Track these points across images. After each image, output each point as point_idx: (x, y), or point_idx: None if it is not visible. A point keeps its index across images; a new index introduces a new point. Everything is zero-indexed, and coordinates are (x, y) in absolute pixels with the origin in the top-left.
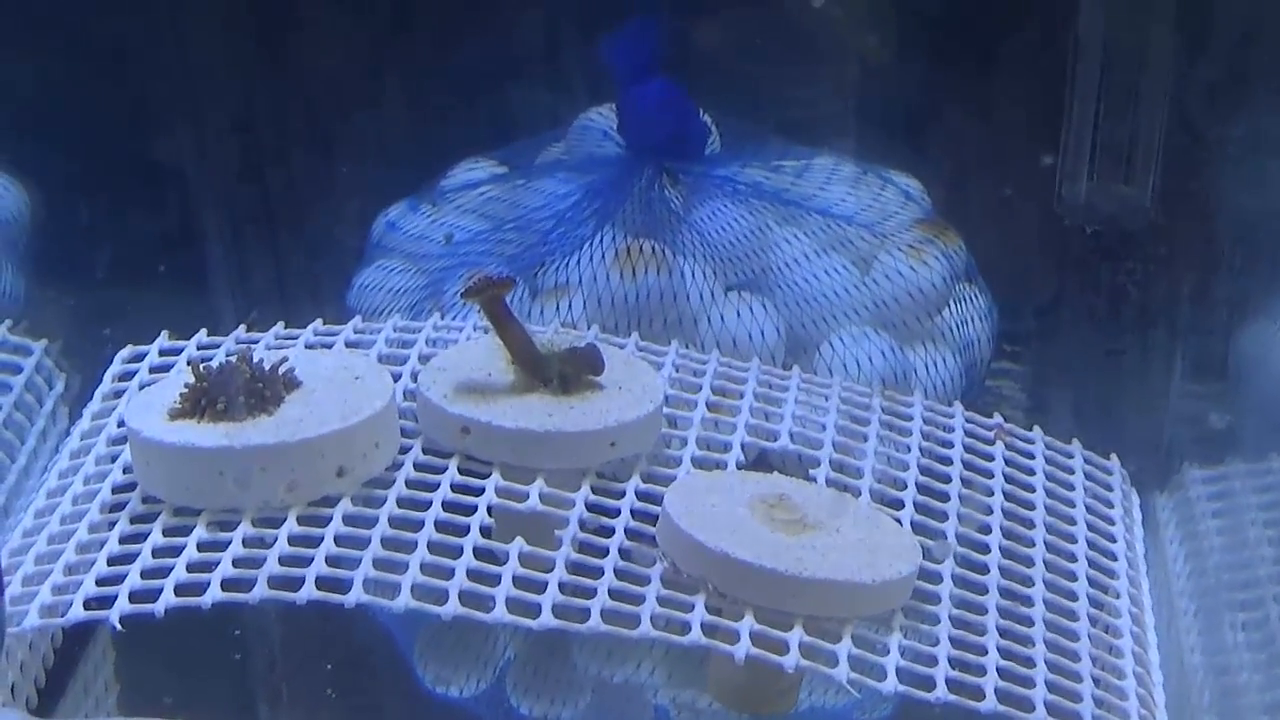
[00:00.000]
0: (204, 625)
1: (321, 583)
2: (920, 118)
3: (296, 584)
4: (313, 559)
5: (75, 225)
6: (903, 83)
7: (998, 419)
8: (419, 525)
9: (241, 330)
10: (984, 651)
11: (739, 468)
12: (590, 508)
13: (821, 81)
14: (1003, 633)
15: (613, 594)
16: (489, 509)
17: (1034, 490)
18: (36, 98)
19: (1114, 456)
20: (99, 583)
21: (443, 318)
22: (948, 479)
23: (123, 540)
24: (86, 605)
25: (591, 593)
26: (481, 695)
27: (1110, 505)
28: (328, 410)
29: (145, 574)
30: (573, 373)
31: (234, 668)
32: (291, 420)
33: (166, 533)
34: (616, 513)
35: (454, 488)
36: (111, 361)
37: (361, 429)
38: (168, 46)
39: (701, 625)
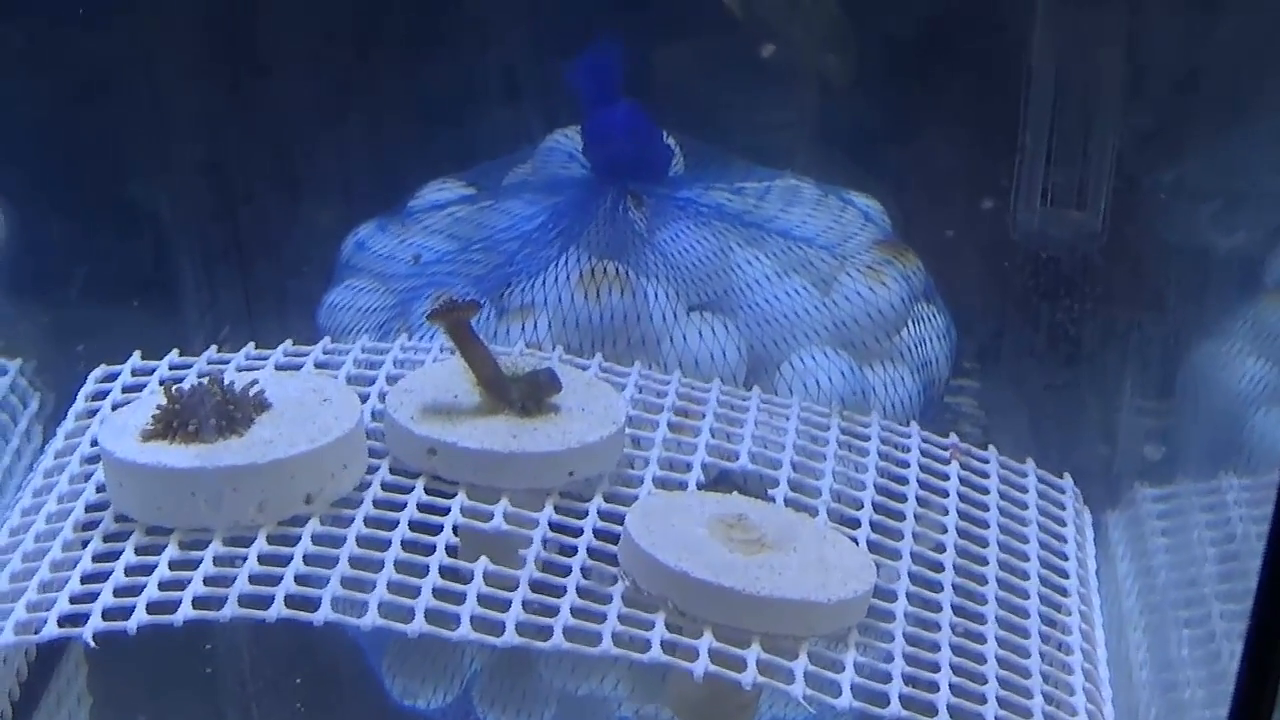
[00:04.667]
0: (175, 640)
1: (291, 601)
2: (880, 141)
3: (266, 602)
4: (282, 578)
5: (50, 245)
6: (863, 107)
7: (953, 439)
8: (386, 544)
9: (213, 350)
10: (937, 669)
11: (700, 487)
12: (553, 527)
13: (783, 106)
14: (956, 650)
15: (575, 612)
16: (454, 529)
17: (988, 509)
18: (14, 124)
19: (1067, 476)
20: (73, 600)
21: (410, 337)
22: (904, 498)
23: (96, 558)
24: (60, 622)
25: (554, 611)
26: (449, 708)
27: (1063, 524)
28: (297, 432)
29: (118, 592)
30: (533, 396)
31: (205, 682)
32: (262, 442)
33: (139, 551)
34: (579, 532)
35: (420, 508)
36: (85, 381)
37: (330, 450)
38: (145, 70)
39: (661, 643)
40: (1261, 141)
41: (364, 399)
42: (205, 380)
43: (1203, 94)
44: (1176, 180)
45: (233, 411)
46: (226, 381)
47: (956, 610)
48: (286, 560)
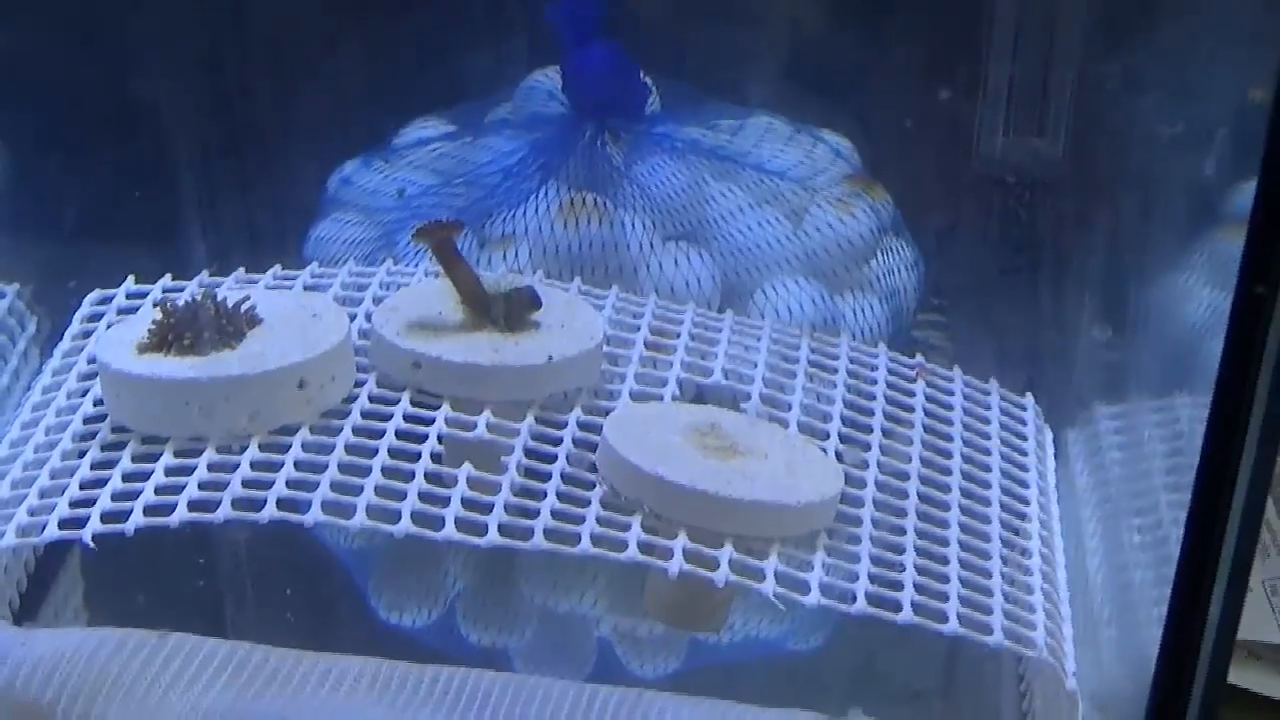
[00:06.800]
0: (169, 555)
1: (282, 504)
2: (849, 78)
3: (259, 505)
4: (274, 482)
5: (42, 181)
6: (834, 46)
7: (919, 359)
8: (373, 452)
9: (204, 275)
10: (902, 569)
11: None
12: (534, 436)
13: (756, 44)
14: (920, 553)
15: (555, 515)
16: (439, 437)
17: (952, 424)
18: (6, 58)
19: (1029, 395)
20: (72, 505)
21: (396, 265)
22: (871, 413)
23: (94, 466)
24: (61, 525)
25: (535, 514)
26: (432, 625)
27: (1024, 439)
28: (287, 344)
29: (116, 496)
30: (514, 311)
31: (197, 594)
32: (253, 354)
33: (135, 459)
34: (559, 441)
35: (406, 418)
36: (80, 305)
37: (319, 361)
38: (132, 5)
39: (638, 543)
40: (1200, 31)
41: (351, 318)
42: (199, 295)
43: (1155, 13)
44: (1127, 99)
45: (225, 325)
46: (220, 298)
47: (921, 517)
48: (278, 466)
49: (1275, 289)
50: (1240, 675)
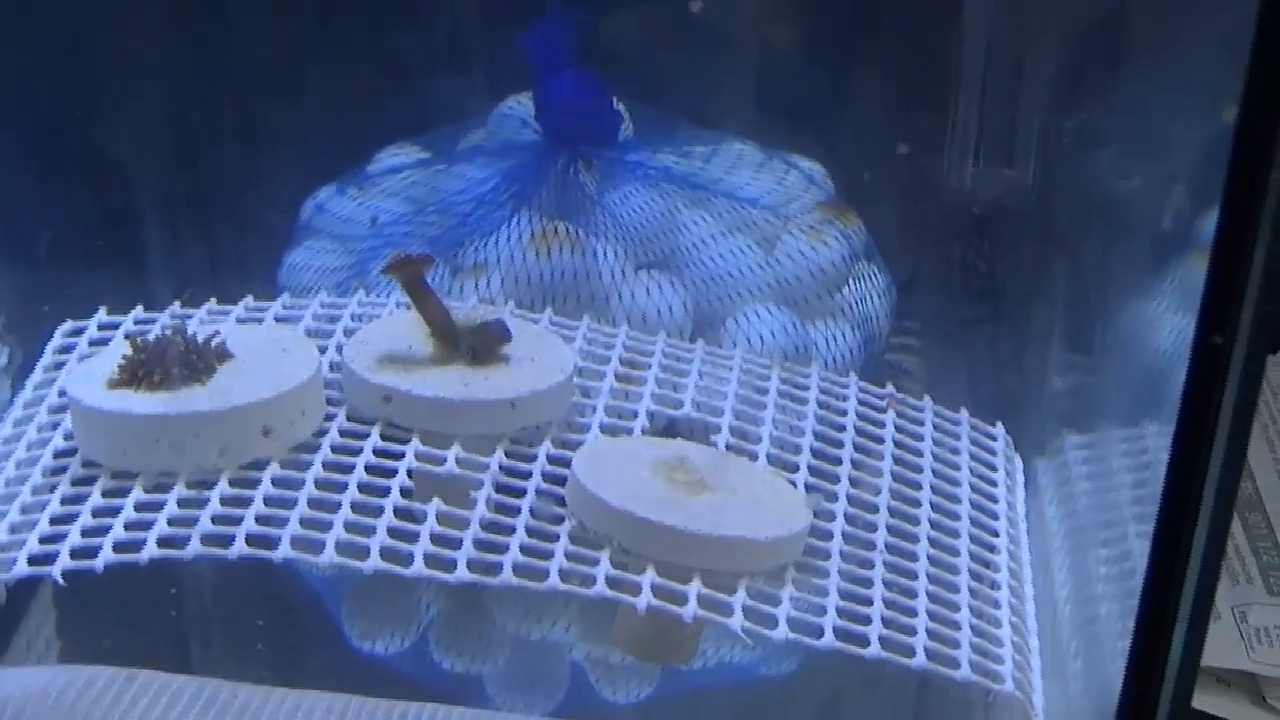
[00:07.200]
0: (141, 585)
1: (252, 540)
2: (823, 106)
3: (228, 541)
4: (243, 518)
5: (14, 208)
6: (807, 73)
7: (890, 389)
8: (343, 487)
9: (176, 306)
10: (870, 603)
11: (645, 434)
12: (504, 471)
13: (730, 71)
14: (889, 586)
15: (524, 550)
16: (409, 472)
17: (922, 455)
18: None
19: (999, 424)
20: (42, 541)
21: (368, 295)
22: (841, 444)
23: (64, 501)
24: (30, 562)
25: (504, 549)
26: (405, 652)
27: (994, 469)
28: (258, 380)
29: (86, 532)
30: (483, 345)
31: (170, 625)
32: (223, 389)
33: (106, 494)
34: (528, 475)
35: (376, 452)
36: (52, 336)
37: (289, 397)
38: (106, 33)
39: (607, 579)
40: (1161, 85)
41: (322, 351)
42: (169, 331)
43: (1121, 40)
44: (1095, 128)
45: (195, 361)
46: (190, 332)
47: (890, 550)
48: (247, 502)
49: (1233, 340)
50: (1209, 701)
